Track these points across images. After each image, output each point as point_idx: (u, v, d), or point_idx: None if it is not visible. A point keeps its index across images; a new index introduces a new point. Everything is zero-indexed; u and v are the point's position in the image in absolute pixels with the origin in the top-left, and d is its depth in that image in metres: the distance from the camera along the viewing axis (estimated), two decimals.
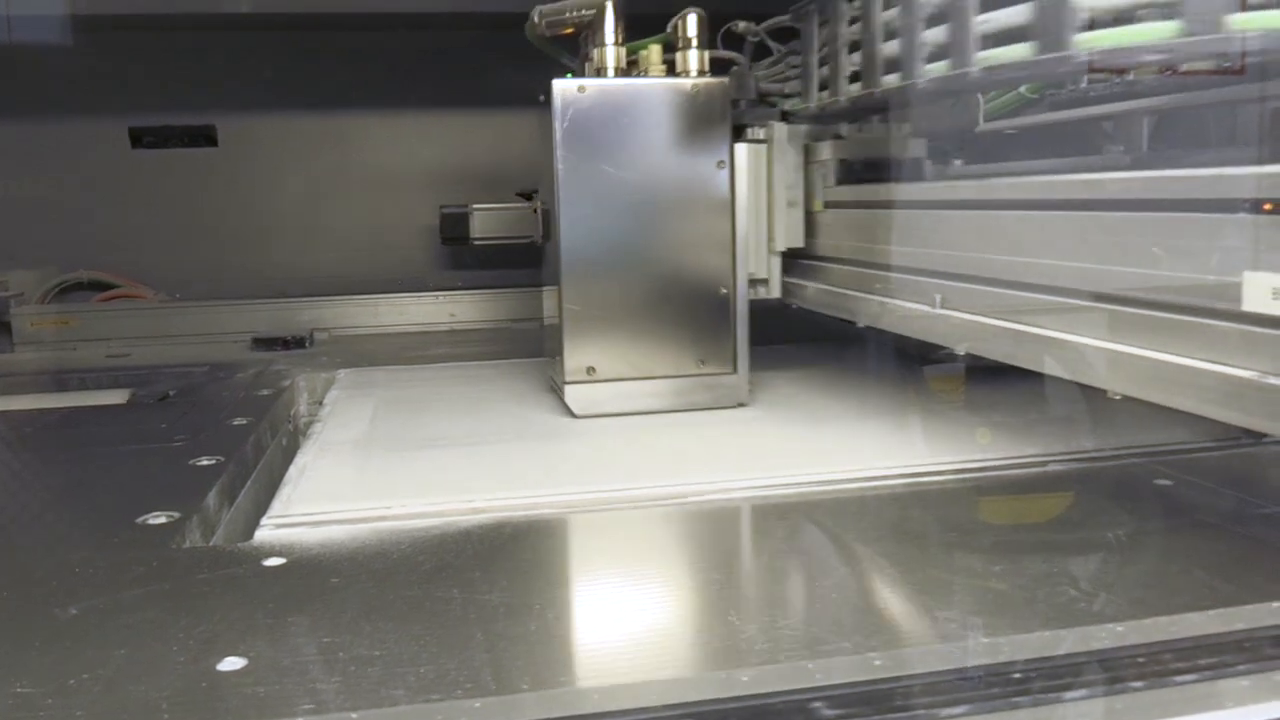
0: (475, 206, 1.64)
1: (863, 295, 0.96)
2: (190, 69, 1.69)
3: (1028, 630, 0.46)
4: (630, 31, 1.00)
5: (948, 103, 0.89)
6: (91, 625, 0.51)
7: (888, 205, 0.95)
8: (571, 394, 0.98)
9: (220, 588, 0.56)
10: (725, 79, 0.98)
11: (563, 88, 0.94)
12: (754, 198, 1.04)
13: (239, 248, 1.77)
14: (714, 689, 0.42)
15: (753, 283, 1.05)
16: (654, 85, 0.97)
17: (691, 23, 0.99)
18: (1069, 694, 0.41)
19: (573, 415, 0.98)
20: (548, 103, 0.95)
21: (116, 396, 1.18)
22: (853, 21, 0.94)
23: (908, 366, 1.10)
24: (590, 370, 0.97)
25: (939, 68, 0.76)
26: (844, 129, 1.09)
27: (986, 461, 0.76)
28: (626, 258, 0.97)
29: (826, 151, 1.07)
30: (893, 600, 0.53)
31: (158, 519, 0.66)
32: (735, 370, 0.99)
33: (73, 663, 0.46)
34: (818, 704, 0.40)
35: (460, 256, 1.78)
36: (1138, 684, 0.42)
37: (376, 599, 0.54)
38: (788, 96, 1.11)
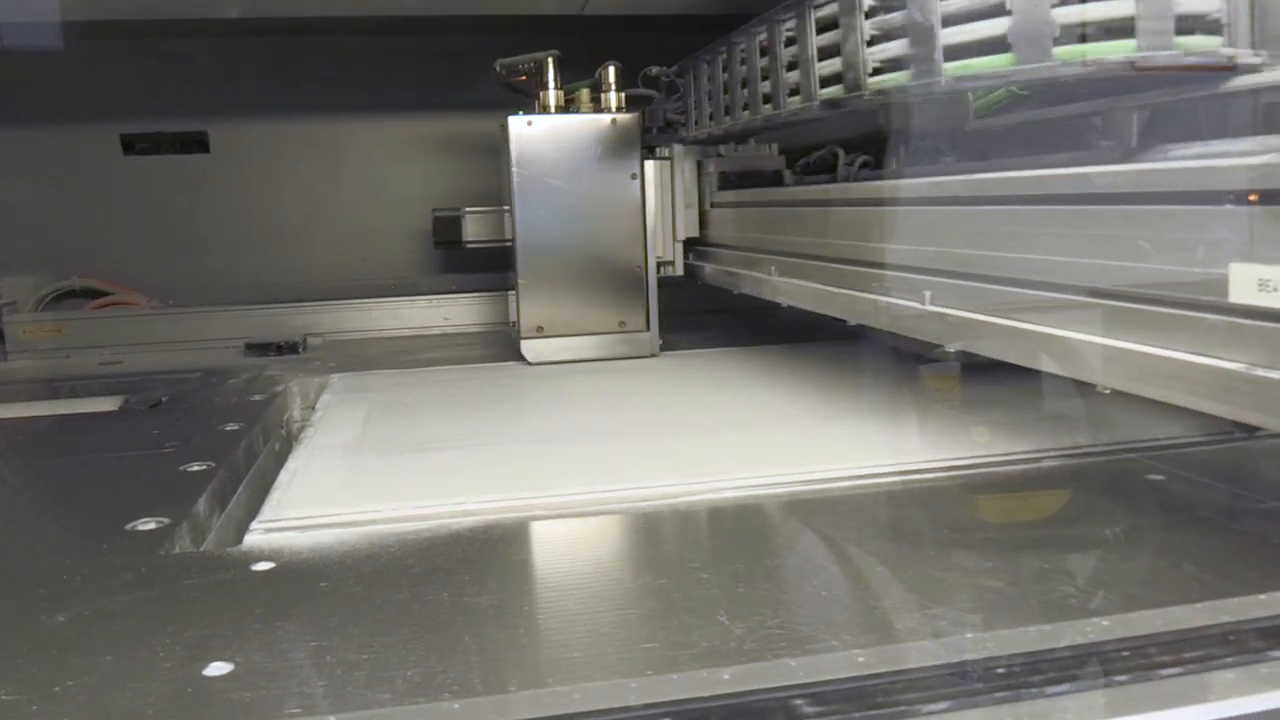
0: (467, 210, 1.64)
1: (740, 271, 1.27)
2: (182, 75, 1.69)
3: (1013, 625, 0.46)
4: (595, 56, 1.35)
5: (786, 129, 1.22)
6: (78, 632, 0.50)
7: (753, 204, 1.30)
8: (526, 346, 1.32)
9: (208, 593, 0.56)
10: (636, 114, 1.32)
11: (515, 123, 1.29)
12: (660, 200, 1.38)
13: (232, 253, 1.76)
14: (696, 687, 0.42)
15: (661, 264, 1.39)
16: (583, 120, 1.31)
17: (612, 73, 1.34)
18: (1053, 689, 0.41)
19: (530, 365, 1.30)
20: (506, 131, 1.29)
21: (109, 403, 1.18)
22: (710, 78, 1.28)
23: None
24: (539, 329, 1.31)
25: (746, 114, 1.14)
26: (723, 149, 1.41)
27: (977, 458, 0.76)
28: (565, 245, 1.31)
29: (711, 166, 1.40)
30: (882, 597, 0.53)
31: (147, 525, 0.66)
32: (648, 329, 1.34)
33: (59, 669, 0.46)
34: (799, 701, 0.40)
35: (453, 260, 1.78)
36: (1123, 678, 0.42)
37: (365, 603, 0.54)
38: (683, 125, 1.45)
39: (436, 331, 1.68)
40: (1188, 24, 0.62)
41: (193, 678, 0.45)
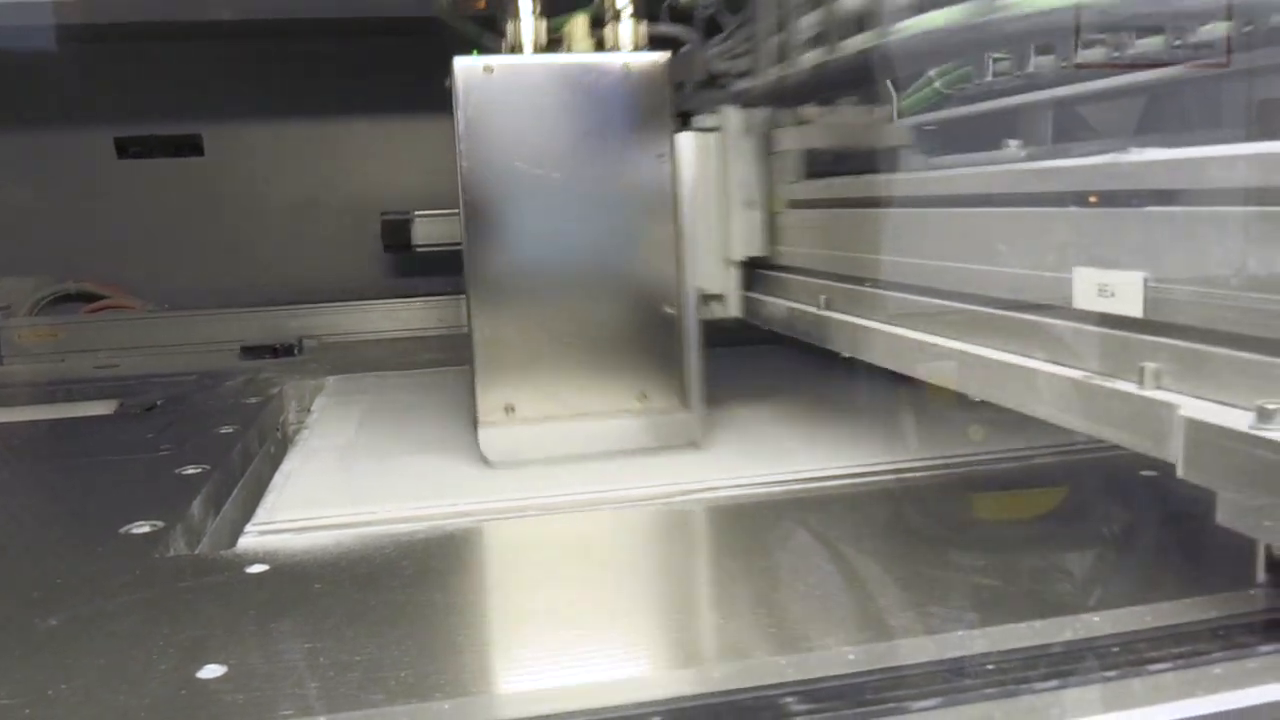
0: (417, 213, 1.61)
1: (839, 317, 0.79)
2: (175, 78, 1.69)
3: (1005, 621, 0.46)
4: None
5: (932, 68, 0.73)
6: (72, 635, 0.51)
7: (860, 204, 0.80)
8: (486, 437, 0.81)
9: (202, 596, 0.56)
10: (665, 55, 0.81)
11: (466, 68, 0.77)
12: (703, 197, 0.87)
13: (227, 256, 1.76)
14: (685, 686, 0.42)
15: (705, 299, 0.90)
16: (577, 63, 0.80)
17: None
18: (1042, 685, 0.41)
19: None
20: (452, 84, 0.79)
21: (104, 407, 1.18)
22: None
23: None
24: (509, 409, 0.81)
25: (918, 23, 0.62)
26: (810, 112, 0.91)
27: (972, 456, 0.76)
28: (550, 272, 0.81)
29: (789, 139, 0.90)
30: (875, 595, 0.53)
31: (141, 528, 0.66)
32: (686, 405, 0.83)
33: (52, 673, 0.46)
34: (789, 699, 0.40)
35: (450, 261, 1.78)
36: (1112, 674, 0.42)
37: (359, 604, 0.54)
38: (742, 76, 0.94)
39: (433, 333, 1.68)
40: None
41: (187, 680, 0.45)
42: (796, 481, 0.73)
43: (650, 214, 0.82)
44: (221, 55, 1.68)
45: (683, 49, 0.97)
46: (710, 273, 0.91)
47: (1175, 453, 0.44)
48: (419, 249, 1.61)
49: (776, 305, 0.91)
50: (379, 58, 1.71)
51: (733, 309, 0.94)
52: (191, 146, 1.74)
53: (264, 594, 0.56)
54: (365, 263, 1.79)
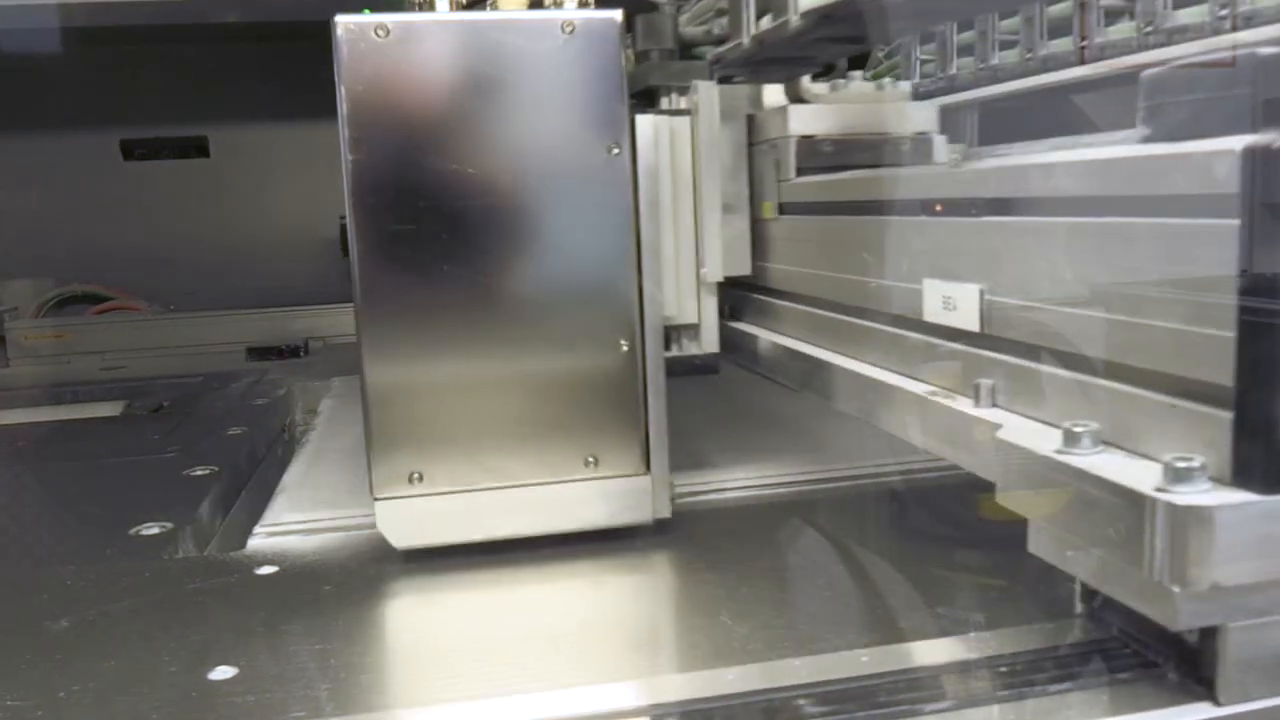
0: None
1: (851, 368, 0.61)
2: (181, 81, 1.69)
3: (1014, 624, 0.46)
4: None
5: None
6: (82, 637, 0.51)
7: (877, 209, 0.61)
8: (384, 514, 0.60)
9: (212, 597, 0.56)
10: (618, 13, 0.59)
11: (349, 29, 0.56)
12: (671, 199, 0.68)
13: (233, 258, 1.76)
14: (700, 688, 0.42)
15: (674, 331, 0.71)
16: (502, 23, 0.58)
17: None
18: (1055, 687, 0.41)
19: None
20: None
21: (111, 409, 1.18)
22: None
23: None
24: (416, 477, 0.60)
25: None
26: (808, 88, 0.72)
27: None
28: (468, 299, 0.59)
29: (788, 122, 0.70)
30: (883, 597, 0.53)
31: (151, 530, 0.66)
32: (647, 469, 0.62)
33: (63, 675, 0.46)
34: (803, 701, 0.40)
35: None
36: (1125, 675, 0.42)
37: (368, 606, 0.54)
38: (720, 42, 0.74)
39: None
40: None
41: (197, 681, 0.45)
42: (806, 483, 0.73)
43: (601, 221, 0.60)
44: (228, 57, 1.68)
45: (658, 13, 0.78)
46: (679, 297, 0.70)
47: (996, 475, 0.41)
48: None
49: (766, 342, 0.72)
50: None
51: (709, 344, 0.72)
52: (197, 148, 1.74)
53: (274, 595, 0.56)
54: None
